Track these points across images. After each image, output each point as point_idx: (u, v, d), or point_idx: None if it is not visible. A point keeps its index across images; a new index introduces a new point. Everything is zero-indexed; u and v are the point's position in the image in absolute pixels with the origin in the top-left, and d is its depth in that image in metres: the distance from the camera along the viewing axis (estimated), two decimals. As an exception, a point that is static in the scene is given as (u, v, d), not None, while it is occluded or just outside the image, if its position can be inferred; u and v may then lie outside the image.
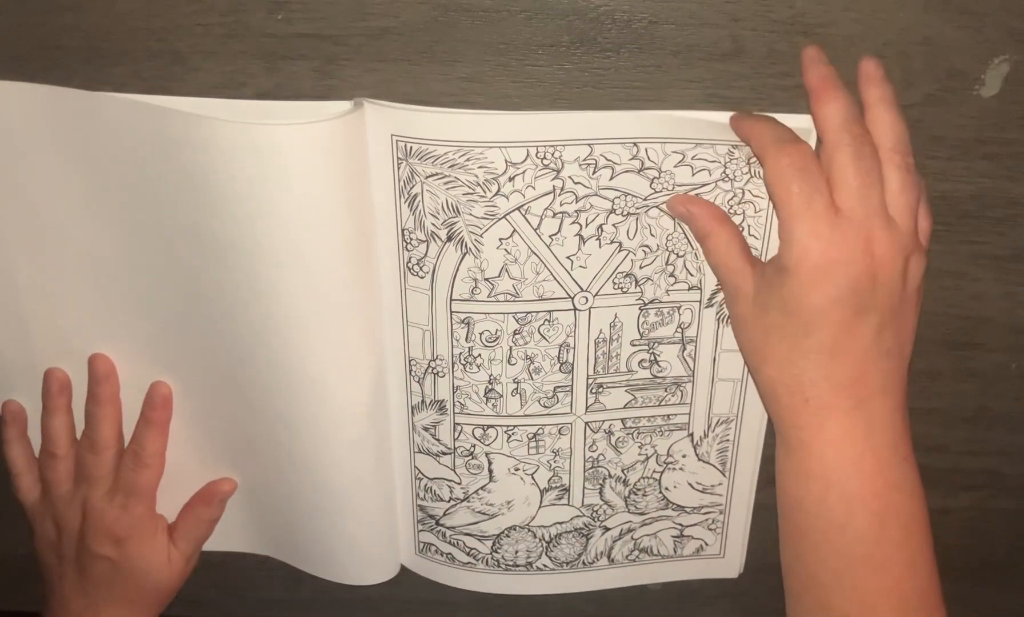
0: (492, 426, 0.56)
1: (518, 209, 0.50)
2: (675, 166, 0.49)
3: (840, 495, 0.46)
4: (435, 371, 0.55)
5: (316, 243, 0.50)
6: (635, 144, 0.49)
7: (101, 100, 0.49)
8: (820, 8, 0.48)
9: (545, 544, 0.60)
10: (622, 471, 0.58)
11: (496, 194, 0.49)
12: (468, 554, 0.61)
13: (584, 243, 0.51)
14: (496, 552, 0.61)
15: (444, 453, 0.57)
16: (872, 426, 0.46)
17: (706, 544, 0.61)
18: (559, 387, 0.55)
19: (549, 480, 0.58)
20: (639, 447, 0.58)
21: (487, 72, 0.50)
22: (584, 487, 0.59)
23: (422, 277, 0.52)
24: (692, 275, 0.53)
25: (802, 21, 0.48)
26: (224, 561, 0.64)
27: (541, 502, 0.59)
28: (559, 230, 0.51)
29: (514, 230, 0.51)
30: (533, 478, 0.58)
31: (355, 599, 0.63)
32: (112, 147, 0.49)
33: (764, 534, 0.61)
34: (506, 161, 0.48)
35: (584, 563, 0.61)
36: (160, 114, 0.47)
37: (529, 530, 0.60)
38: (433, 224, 0.50)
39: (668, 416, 0.57)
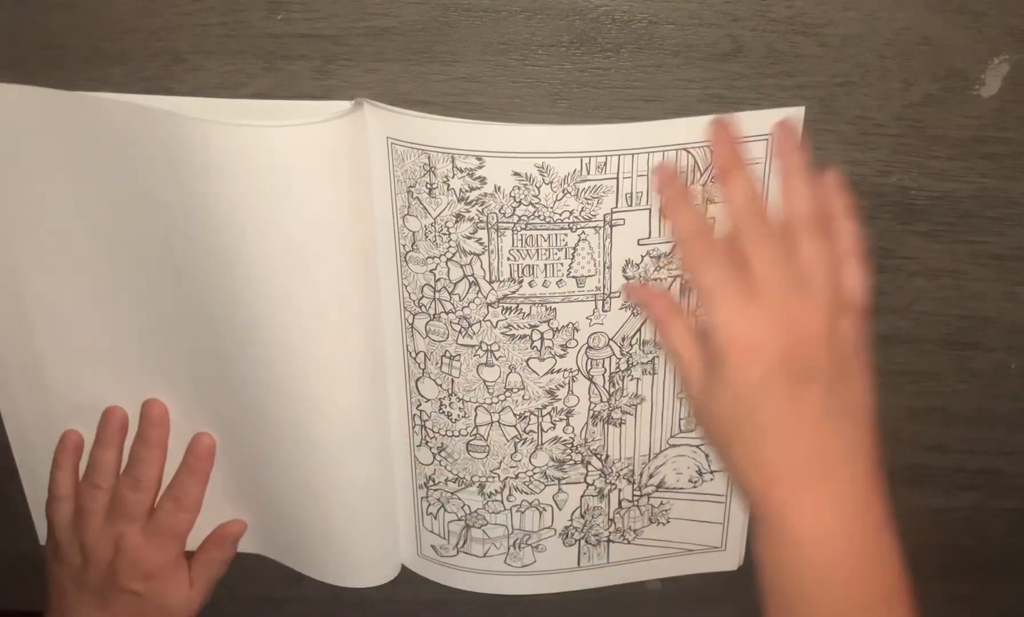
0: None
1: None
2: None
3: (813, 569, 0.46)
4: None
5: (317, 244, 0.50)
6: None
7: (100, 102, 0.48)
8: (820, 8, 0.48)
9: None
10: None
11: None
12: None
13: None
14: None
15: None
16: (841, 497, 0.46)
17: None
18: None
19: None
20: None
21: (487, 72, 0.50)
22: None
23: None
24: None
25: (802, 21, 0.48)
26: (224, 561, 0.64)
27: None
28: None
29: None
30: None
31: (355, 599, 0.63)
32: (112, 150, 0.49)
33: (764, 534, 0.61)
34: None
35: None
36: (159, 116, 0.47)
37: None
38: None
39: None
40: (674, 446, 0.58)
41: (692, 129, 0.49)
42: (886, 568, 0.46)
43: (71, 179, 0.51)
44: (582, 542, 0.61)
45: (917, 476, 0.62)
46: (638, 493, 0.60)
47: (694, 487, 0.60)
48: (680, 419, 0.57)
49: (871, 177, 0.52)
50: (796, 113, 0.48)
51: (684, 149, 0.49)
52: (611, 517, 0.60)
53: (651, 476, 0.59)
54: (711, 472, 0.59)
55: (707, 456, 0.59)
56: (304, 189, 0.48)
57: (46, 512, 0.60)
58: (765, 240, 0.46)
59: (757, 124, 0.49)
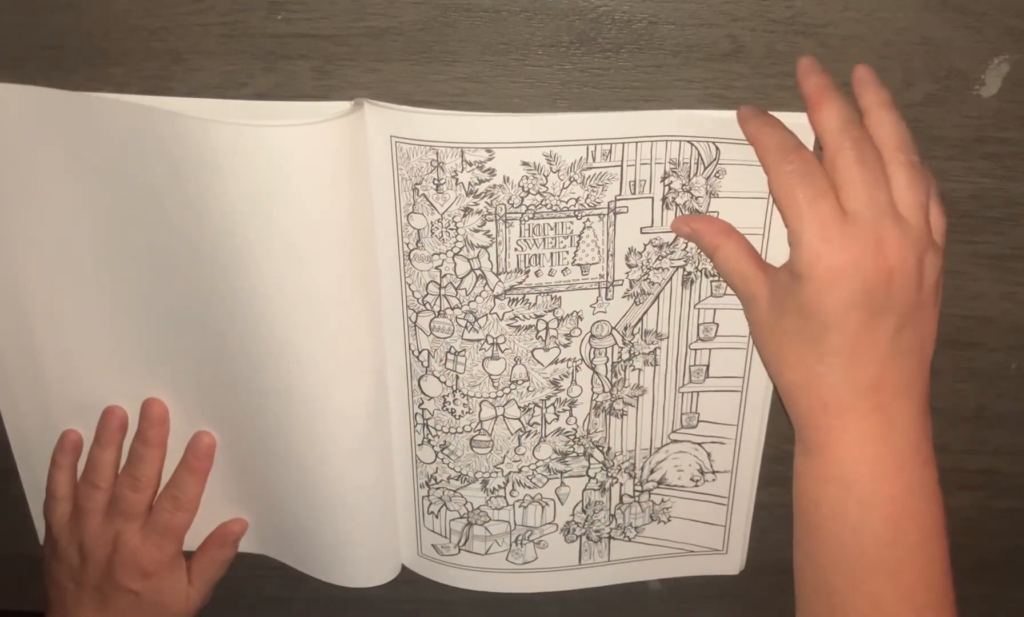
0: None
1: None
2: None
3: (857, 498, 0.46)
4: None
5: (317, 244, 0.50)
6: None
7: (100, 102, 0.49)
8: (819, 8, 0.48)
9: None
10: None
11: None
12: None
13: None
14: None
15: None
16: (892, 428, 0.46)
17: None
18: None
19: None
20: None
21: (487, 72, 0.50)
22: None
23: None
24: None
25: (801, 21, 0.48)
26: (224, 561, 0.64)
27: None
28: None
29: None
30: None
31: (355, 599, 0.63)
32: (112, 150, 0.49)
33: (764, 534, 0.61)
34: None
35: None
36: (159, 116, 0.47)
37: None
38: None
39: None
40: (675, 441, 0.58)
41: (697, 122, 0.49)
42: (928, 507, 0.46)
43: (71, 179, 0.51)
44: (583, 538, 0.61)
45: (917, 476, 0.62)
46: (639, 488, 0.60)
47: (695, 486, 0.60)
48: (682, 414, 0.58)
49: (871, 177, 0.52)
50: (802, 118, 0.48)
51: (689, 141, 0.49)
52: (612, 512, 0.60)
53: (652, 471, 0.59)
54: (713, 473, 0.59)
55: (708, 455, 0.59)
56: (304, 189, 0.48)
57: (44, 512, 0.60)
58: (863, 165, 0.44)
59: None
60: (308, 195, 0.48)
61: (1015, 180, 0.52)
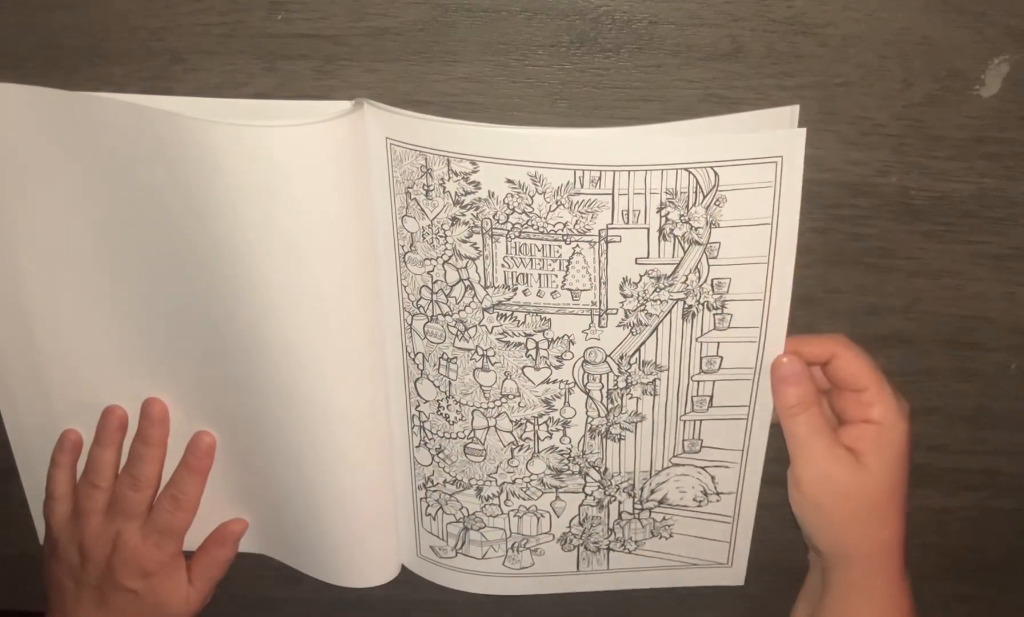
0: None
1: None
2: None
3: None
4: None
5: (317, 244, 0.50)
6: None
7: (100, 102, 0.48)
8: (820, 8, 0.48)
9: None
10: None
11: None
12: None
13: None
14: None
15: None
16: (890, 580, 0.53)
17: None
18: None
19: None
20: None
21: (487, 72, 0.50)
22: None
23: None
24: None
25: (802, 21, 0.48)
26: (224, 561, 0.64)
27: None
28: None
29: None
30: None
31: (355, 599, 0.63)
32: (112, 150, 0.49)
33: (765, 534, 0.61)
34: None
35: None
36: (159, 116, 0.47)
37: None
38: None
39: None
40: (677, 465, 0.57)
41: (692, 148, 0.47)
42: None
43: (71, 179, 0.51)
44: (581, 548, 0.60)
45: (917, 476, 0.61)
46: (639, 506, 0.59)
47: (699, 506, 0.58)
48: (683, 440, 0.56)
49: (871, 177, 0.52)
50: (791, 112, 0.47)
51: (685, 169, 0.47)
52: (611, 527, 0.60)
53: (652, 492, 0.58)
54: (717, 494, 0.58)
55: (712, 478, 0.57)
56: (304, 189, 0.48)
57: (44, 512, 0.60)
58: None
59: (758, 145, 0.47)
60: (308, 195, 0.48)
61: (1015, 180, 0.52)
